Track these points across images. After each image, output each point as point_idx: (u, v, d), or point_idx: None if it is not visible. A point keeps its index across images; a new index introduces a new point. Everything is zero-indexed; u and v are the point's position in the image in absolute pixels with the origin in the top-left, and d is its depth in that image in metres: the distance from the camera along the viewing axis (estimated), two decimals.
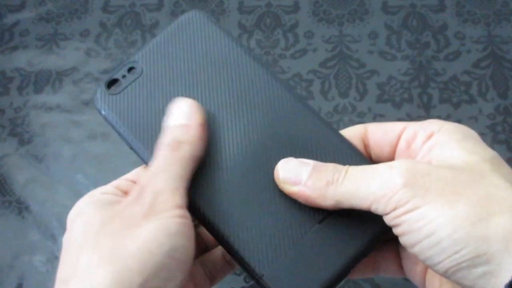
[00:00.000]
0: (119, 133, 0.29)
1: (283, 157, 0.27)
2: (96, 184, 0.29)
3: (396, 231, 0.23)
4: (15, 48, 0.57)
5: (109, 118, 0.29)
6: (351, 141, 0.29)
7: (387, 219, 0.23)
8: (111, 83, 0.30)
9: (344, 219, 0.26)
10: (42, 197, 0.49)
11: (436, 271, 0.22)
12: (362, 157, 0.28)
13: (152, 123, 0.29)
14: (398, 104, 0.50)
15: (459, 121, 0.49)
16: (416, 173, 0.23)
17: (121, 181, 0.29)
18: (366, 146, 0.29)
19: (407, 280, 0.29)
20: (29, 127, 0.53)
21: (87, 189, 0.28)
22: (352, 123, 0.50)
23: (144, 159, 0.29)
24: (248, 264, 0.25)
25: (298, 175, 0.26)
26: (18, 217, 0.48)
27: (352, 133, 0.29)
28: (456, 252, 0.21)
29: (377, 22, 0.56)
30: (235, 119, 0.29)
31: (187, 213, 0.25)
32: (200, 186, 0.27)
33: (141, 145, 0.28)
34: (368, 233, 0.26)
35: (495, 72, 0.52)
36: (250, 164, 0.28)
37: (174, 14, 0.58)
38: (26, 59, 0.57)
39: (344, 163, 0.26)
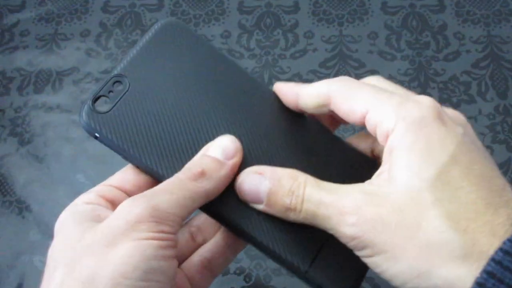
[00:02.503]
0: (122, 154, 0.28)
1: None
2: (96, 184, 0.28)
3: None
4: (15, 48, 0.57)
5: (107, 139, 0.27)
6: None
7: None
8: (97, 100, 0.28)
9: None
10: (42, 197, 0.49)
11: None
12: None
13: (154, 137, 0.28)
14: None
15: None
16: (366, 223, 0.24)
17: (105, 187, 0.27)
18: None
19: None
20: (29, 127, 0.53)
21: (87, 189, 0.28)
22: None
23: (157, 177, 0.27)
24: (291, 263, 0.27)
25: (258, 195, 0.26)
26: (19, 217, 0.48)
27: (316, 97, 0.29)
28: None
29: (376, 22, 0.56)
30: (236, 122, 0.29)
31: (172, 237, 0.24)
32: (226, 196, 0.27)
33: (150, 161, 0.27)
34: None
35: (494, 72, 0.52)
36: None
37: (174, 14, 0.58)
38: (26, 59, 0.57)
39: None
